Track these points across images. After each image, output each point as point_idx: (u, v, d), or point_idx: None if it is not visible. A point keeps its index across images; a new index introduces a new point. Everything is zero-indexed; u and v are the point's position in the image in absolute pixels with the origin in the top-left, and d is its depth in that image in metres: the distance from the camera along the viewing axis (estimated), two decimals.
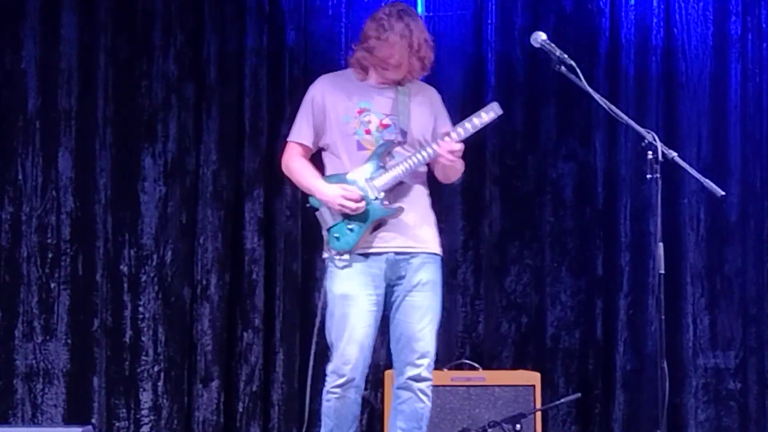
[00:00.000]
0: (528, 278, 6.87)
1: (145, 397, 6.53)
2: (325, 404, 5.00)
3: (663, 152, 4.56)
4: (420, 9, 6.73)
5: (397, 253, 5.01)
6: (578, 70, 4.68)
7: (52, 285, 6.47)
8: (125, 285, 6.55)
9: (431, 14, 6.77)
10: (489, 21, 6.84)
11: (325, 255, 5.06)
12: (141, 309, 6.54)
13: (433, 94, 5.22)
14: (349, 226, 4.99)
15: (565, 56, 4.71)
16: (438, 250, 5.13)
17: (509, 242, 6.86)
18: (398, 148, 5.03)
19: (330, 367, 4.98)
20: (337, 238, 5.01)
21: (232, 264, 6.60)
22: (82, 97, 6.52)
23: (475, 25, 6.83)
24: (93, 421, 6.41)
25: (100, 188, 6.51)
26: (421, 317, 5.02)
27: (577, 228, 6.89)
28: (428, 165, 5.13)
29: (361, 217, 4.98)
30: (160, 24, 6.58)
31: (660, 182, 4.51)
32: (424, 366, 5.02)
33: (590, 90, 4.67)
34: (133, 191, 6.56)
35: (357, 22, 6.69)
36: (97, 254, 6.49)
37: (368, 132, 5.02)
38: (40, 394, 6.45)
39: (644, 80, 6.89)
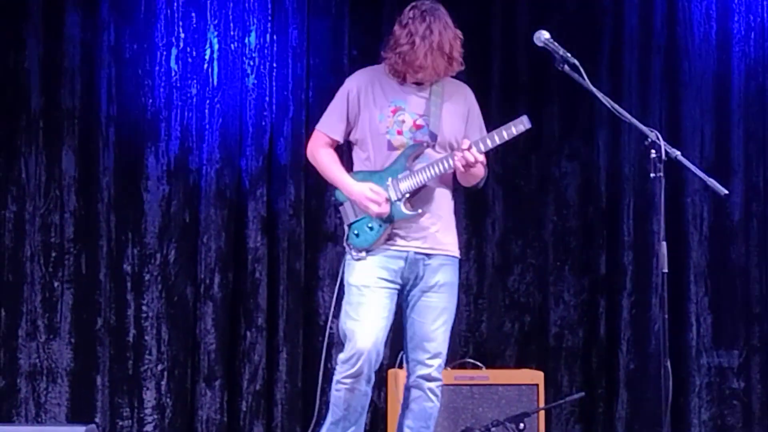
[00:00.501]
0: (531, 277, 6.87)
1: (149, 396, 6.53)
2: (334, 393, 5.00)
3: (666, 151, 4.55)
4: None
5: (416, 253, 5.01)
6: (581, 69, 4.68)
7: (56, 284, 6.48)
8: (128, 284, 6.55)
9: None
10: (493, 20, 6.84)
11: (345, 248, 5.07)
12: (144, 308, 6.54)
13: (466, 93, 5.21)
14: (370, 225, 5.00)
15: (569, 55, 4.71)
16: (457, 253, 5.14)
17: (512, 241, 6.86)
18: (428, 150, 5.03)
19: (342, 357, 4.97)
20: (357, 235, 5.02)
21: (235, 263, 6.61)
22: (85, 96, 6.52)
23: (479, 24, 6.82)
24: (96, 419, 6.41)
25: (103, 187, 6.51)
26: (436, 318, 5.03)
27: (580, 227, 6.89)
28: None
29: (382, 217, 4.99)
30: (163, 22, 6.58)
31: (663, 181, 4.50)
32: (435, 366, 5.04)
33: (593, 89, 4.67)
34: (136, 190, 6.56)
35: (360, 21, 6.71)
36: (100, 253, 6.49)
37: (400, 132, 5.02)
38: (43, 393, 6.45)
39: (647, 79, 6.90)
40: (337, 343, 5.18)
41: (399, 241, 5.01)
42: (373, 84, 5.08)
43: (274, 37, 6.66)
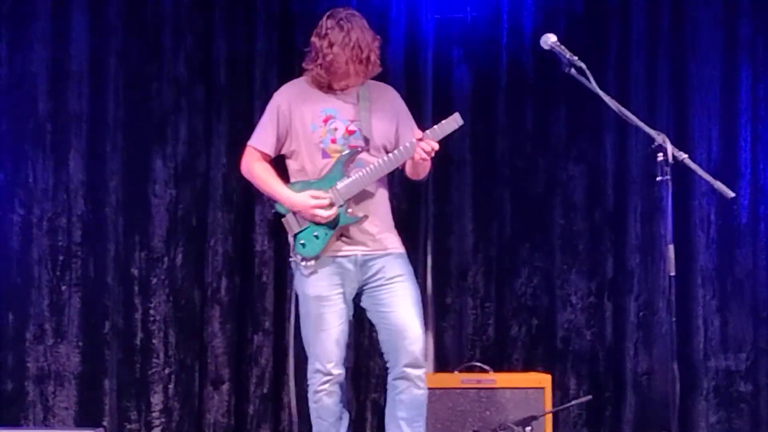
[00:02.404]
0: (538, 280, 6.86)
1: (156, 400, 6.54)
2: (314, 405, 5.13)
3: (673, 154, 4.55)
4: (430, 12, 6.73)
5: (363, 255, 5.12)
6: (588, 73, 4.69)
7: (63, 288, 6.48)
8: (136, 287, 6.55)
9: (441, 16, 6.77)
10: (500, 23, 6.84)
11: (291, 259, 5.16)
12: (152, 311, 6.54)
13: (392, 95, 5.31)
14: (315, 233, 5.10)
15: (575, 58, 4.71)
16: (402, 249, 5.23)
17: (519, 244, 6.85)
18: (363, 154, 5.12)
19: (313, 367, 5.11)
20: (303, 245, 5.11)
21: (242, 267, 6.61)
22: (93, 100, 6.52)
23: (486, 27, 6.82)
24: (104, 423, 6.42)
25: (110, 191, 6.51)
26: (406, 304, 5.12)
27: (587, 230, 6.88)
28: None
29: (327, 224, 5.08)
30: (171, 26, 6.59)
31: (670, 184, 4.51)
32: (418, 351, 5.10)
33: (600, 92, 4.67)
34: (143, 194, 6.57)
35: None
36: (107, 257, 6.50)
37: (334, 140, 5.12)
38: (51, 397, 6.46)
39: (654, 82, 6.89)
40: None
41: (345, 247, 5.11)
42: (301, 95, 5.19)
43: (281, 41, 6.66)
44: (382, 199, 5.19)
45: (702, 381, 6.82)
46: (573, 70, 4.73)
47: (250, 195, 6.61)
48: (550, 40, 4.79)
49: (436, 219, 6.77)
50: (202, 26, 6.62)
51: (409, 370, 5.09)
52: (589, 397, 6.50)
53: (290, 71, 6.61)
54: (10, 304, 6.44)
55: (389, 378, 5.17)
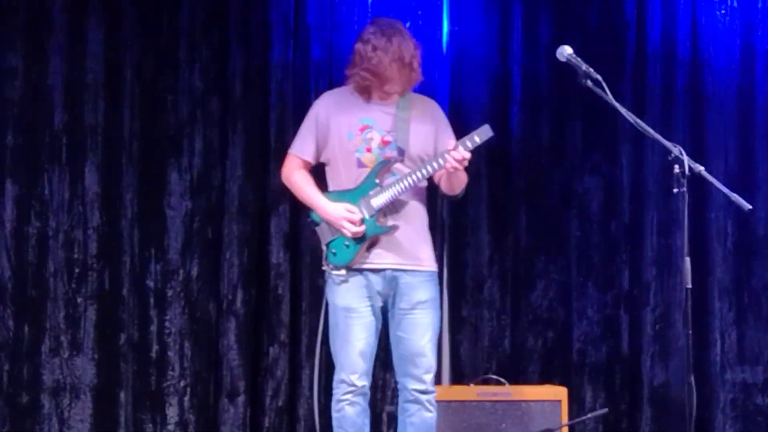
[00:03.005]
0: (554, 293, 6.85)
1: (172, 412, 6.54)
2: (336, 415, 5.11)
3: (690, 166, 4.54)
4: (445, 24, 6.73)
5: (393, 270, 5.11)
6: (604, 84, 4.68)
7: (79, 300, 6.49)
8: (151, 300, 6.56)
9: (457, 29, 6.77)
10: (514, 35, 6.84)
11: (324, 268, 5.18)
12: (167, 324, 6.55)
13: (433, 108, 5.31)
14: (346, 243, 5.11)
15: (591, 70, 4.70)
16: (434, 267, 5.23)
17: (535, 257, 6.85)
18: (397, 165, 5.12)
19: (338, 377, 5.11)
20: (334, 254, 5.13)
21: (257, 279, 6.61)
22: (109, 113, 6.53)
23: (501, 40, 6.83)
24: None
25: (126, 203, 6.52)
26: (423, 334, 5.13)
27: (603, 242, 6.87)
28: (430, 180, 5.19)
29: (357, 236, 5.09)
30: (186, 39, 6.60)
31: (687, 196, 4.50)
32: (429, 381, 5.14)
33: (616, 104, 4.66)
34: (159, 206, 6.58)
35: None
36: (123, 269, 6.50)
37: (369, 150, 5.13)
38: (66, 409, 6.46)
39: (670, 94, 6.88)
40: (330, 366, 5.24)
41: (375, 258, 5.11)
42: (340, 104, 5.21)
43: (297, 53, 6.67)
44: (416, 211, 5.18)
45: (719, 394, 6.81)
46: (589, 82, 4.72)
47: (266, 207, 6.61)
48: (566, 51, 4.78)
49: (452, 231, 6.77)
50: (217, 38, 6.63)
51: (420, 395, 5.13)
52: (606, 410, 6.48)
53: (305, 83, 6.65)
54: (26, 317, 6.45)
55: (400, 400, 5.18)
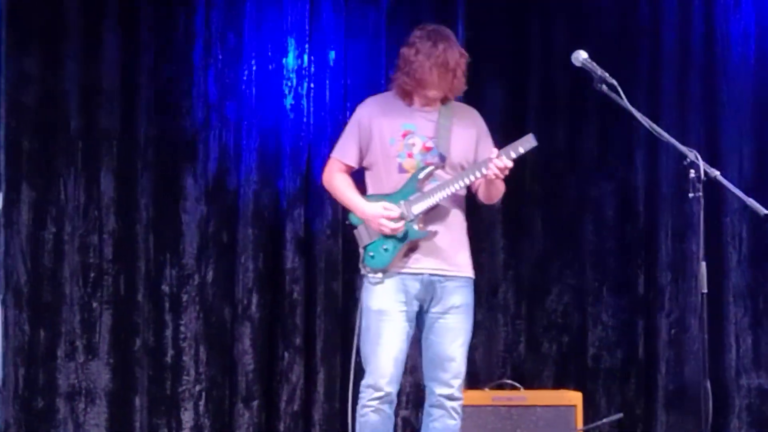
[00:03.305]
0: (569, 298, 6.85)
1: (187, 417, 6.54)
2: (360, 420, 5.07)
3: (705, 171, 4.53)
4: (461, 29, 6.73)
5: (431, 275, 5.09)
6: (619, 89, 4.67)
7: (94, 305, 6.50)
8: (167, 305, 6.57)
9: (472, 35, 6.77)
10: (530, 40, 6.84)
11: (362, 272, 5.15)
12: (182, 328, 6.56)
13: (475, 116, 5.30)
14: (384, 246, 5.08)
15: (606, 75, 4.70)
16: (472, 273, 5.22)
17: (550, 262, 6.84)
18: (438, 171, 5.11)
19: (366, 382, 5.06)
20: (372, 257, 5.10)
21: (272, 283, 6.62)
22: (124, 118, 6.55)
23: (517, 45, 6.82)
24: None
25: (141, 208, 6.53)
26: (454, 339, 5.11)
27: (618, 247, 6.87)
28: (468, 187, 5.18)
29: (396, 237, 5.07)
30: (201, 44, 6.61)
31: (702, 201, 4.49)
32: (456, 386, 5.11)
33: (631, 109, 4.66)
34: (174, 211, 6.59)
35: (397, 41, 6.71)
36: (138, 274, 6.51)
37: (410, 155, 5.11)
38: (82, 414, 6.47)
39: (686, 99, 6.88)
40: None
41: (413, 263, 5.09)
42: (383, 109, 5.20)
43: (312, 57, 6.68)
44: (456, 218, 5.17)
45: (734, 399, 6.79)
46: (604, 87, 4.71)
47: (281, 212, 6.62)
48: (581, 56, 4.77)
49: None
50: (232, 43, 6.64)
51: (445, 401, 5.10)
52: (621, 415, 6.47)
53: (322, 87, 6.65)
54: (42, 321, 6.46)
55: (426, 404, 5.15)
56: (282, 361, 6.60)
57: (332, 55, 6.70)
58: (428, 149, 5.11)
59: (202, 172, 6.61)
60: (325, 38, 6.69)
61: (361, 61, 6.73)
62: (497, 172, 5.01)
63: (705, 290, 4.49)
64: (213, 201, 6.61)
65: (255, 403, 6.56)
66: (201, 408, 6.55)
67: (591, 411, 6.62)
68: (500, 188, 5.19)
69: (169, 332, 6.56)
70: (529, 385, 6.52)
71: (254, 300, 6.58)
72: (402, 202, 5.07)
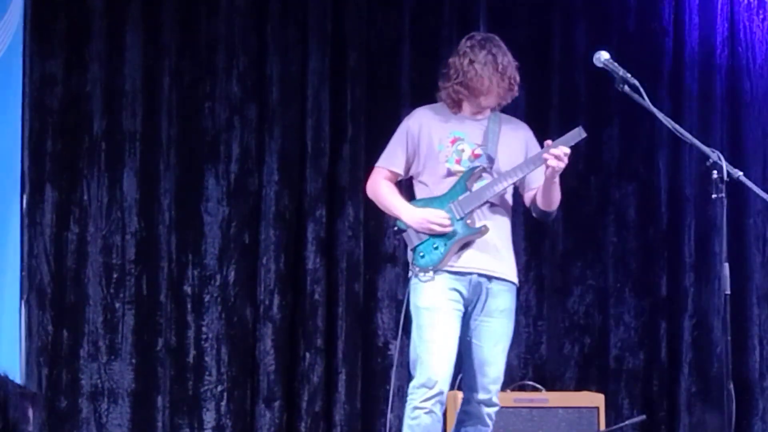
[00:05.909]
0: (591, 299, 6.84)
1: (209, 417, 6.55)
2: (410, 422, 4.96)
3: (728, 171, 4.51)
4: (482, 30, 6.72)
5: (479, 275, 5.04)
6: (642, 90, 4.66)
7: (117, 305, 6.52)
8: (189, 305, 6.58)
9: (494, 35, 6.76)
10: (552, 41, 6.83)
11: (410, 274, 5.11)
12: (204, 329, 6.57)
13: (525, 128, 5.28)
14: (435, 245, 5.04)
15: (629, 75, 4.69)
16: (516, 279, 5.18)
17: (572, 263, 6.83)
18: (485, 174, 5.08)
19: (417, 381, 4.97)
20: (423, 256, 5.06)
21: (294, 284, 6.62)
22: (147, 119, 6.56)
23: (538, 45, 6.82)
24: None
25: (164, 209, 6.55)
26: (496, 343, 5.07)
27: (640, 248, 6.85)
28: (522, 195, 5.18)
29: (446, 235, 5.03)
30: (224, 46, 6.62)
31: (725, 202, 4.47)
32: (494, 392, 5.07)
33: (654, 109, 4.65)
34: (196, 212, 6.60)
35: (420, 43, 6.72)
36: (161, 274, 6.53)
37: (458, 161, 5.08)
38: (104, 414, 6.49)
39: (708, 99, 6.86)
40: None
41: (464, 262, 5.04)
42: (432, 117, 5.17)
43: (334, 59, 6.68)
44: (503, 221, 5.14)
45: (758, 401, 6.77)
46: (626, 87, 4.70)
47: (303, 213, 6.63)
48: (603, 57, 4.77)
49: None
50: (255, 45, 6.65)
51: (482, 407, 5.06)
52: (643, 416, 6.46)
53: (342, 90, 6.66)
54: (65, 322, 6.48)
55: (459, 409, 5.11)
56: (303, 362, 6.60)
57: (354, 56, 6.69)
58: (477, 156, 5.07)
59: (224, 173, 6.62)
60: (346, 40, 6.69)
61: (382, 63, 6.73)
62: (555, 161, 4.94)
63: (728, 291, 4.48)
64: (235, 202, 6.62)
65: (276, 404, 6.56)
66: (223, 408, 6.56)
67: (613, 413, 6.61)
68: (558, 192, 5.11)
69: (191, 333, 6.57)
70: (551, 387, 6.51)
71: (276, 301, 6.59)
72: (451, 203, 5.04)
